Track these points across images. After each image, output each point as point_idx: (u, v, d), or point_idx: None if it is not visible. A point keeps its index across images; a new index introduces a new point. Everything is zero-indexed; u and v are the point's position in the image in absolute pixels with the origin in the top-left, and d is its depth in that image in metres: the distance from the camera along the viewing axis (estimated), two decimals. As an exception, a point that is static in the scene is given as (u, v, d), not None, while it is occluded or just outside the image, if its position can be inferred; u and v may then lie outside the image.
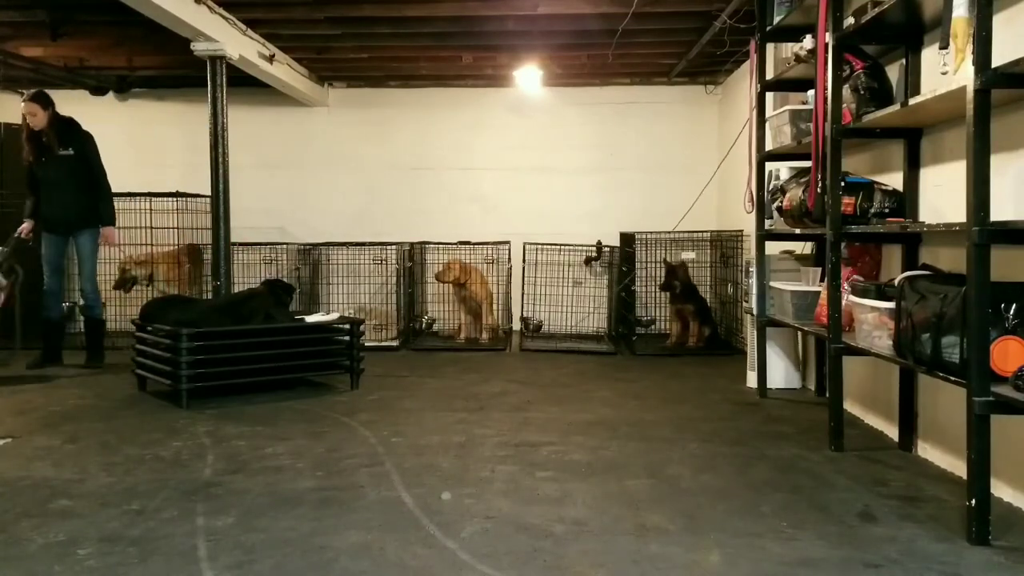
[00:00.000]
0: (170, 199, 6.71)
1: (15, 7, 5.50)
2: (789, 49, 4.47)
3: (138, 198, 6.60)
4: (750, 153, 4.88)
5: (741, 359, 5.41)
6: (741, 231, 6.50)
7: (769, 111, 4.77)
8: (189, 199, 6.74)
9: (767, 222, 4.69)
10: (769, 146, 4.65)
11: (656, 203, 7.65)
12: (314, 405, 4.53)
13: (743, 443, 3.71)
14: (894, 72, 3.70)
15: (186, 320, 4.49)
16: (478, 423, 4.10)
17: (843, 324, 3.54)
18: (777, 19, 4.43)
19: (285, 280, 6.12)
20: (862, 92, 3.49)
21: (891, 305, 2.93)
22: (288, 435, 3.84)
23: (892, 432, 3.77)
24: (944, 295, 2.61)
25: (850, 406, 4.16)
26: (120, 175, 5.87)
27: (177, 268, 6.79)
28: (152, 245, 6.69)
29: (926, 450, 3.49)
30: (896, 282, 2.92)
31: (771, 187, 4.59)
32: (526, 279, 7.19)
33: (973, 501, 2.48)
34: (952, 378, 2.58)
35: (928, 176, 3.51)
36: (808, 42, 3.93)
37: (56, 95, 5.57)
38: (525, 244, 7.22)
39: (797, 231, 4.34)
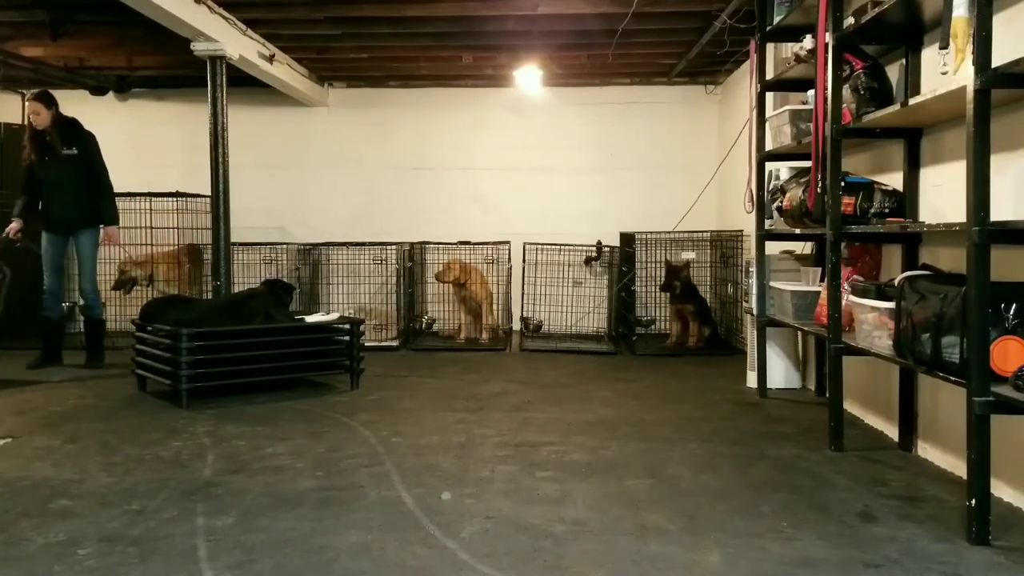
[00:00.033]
0: (170, 199, 6.71)
1: (15, 7, 5.50)
2: (789, 49, 4.47)
3: (138, 198, 6.60)
4: (750, 153, 4.88)
5: (741, 359, 5.41)
6: (741, 231, 6.50)
7: (769, 111, 4.77)
8: (189, 199, 6.74)
9: (767, 222, 4.69)
10: (769, 146, 4.65)
11: (656, 203, 7.65)
12: (314, 405, 4.53)
13: (743, 443, 3.71)
14: (894, 72, 3.70)
15: (186, 320, 4.49)
16: (478, 423, 4.10)
17: (843, 324, 3.54)
18: (777, 19, 4.43)
19: (285, 280, 6.12)
20: (862, 92, 3.49)
21: (891, 305, 2.93)
22: (288, 435, 3.84)
23: (892, 432, 3.77)
24: (944, 295, 2.61)
25: (850, 406, 4.16)
26: (120, 175, 5.87)
27: (177, 268, 6.79)
28: (152, 245, 6.69)
29: (926, 450, 3.49)
30: (896, 282, 2.92)
31: (771, 187, 4.59)
32: (526, 279, 7.19)
33: (973, 501, 2.48)
34: (952, 378, 2.58)
35: (928, 176, 3.51)
36: (808, 42, 3.93)
37: (56, 95, 5.57)
38: (525, 244, 7.22)
39: (797, 231, 4.34)
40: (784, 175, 4.53)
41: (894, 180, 3.66)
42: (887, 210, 3.50)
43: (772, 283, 4.59)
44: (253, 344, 4.68)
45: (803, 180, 4.04)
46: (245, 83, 6.59)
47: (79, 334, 6.18)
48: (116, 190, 5.72)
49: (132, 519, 2.71)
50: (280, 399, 4.65)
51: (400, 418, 4.21)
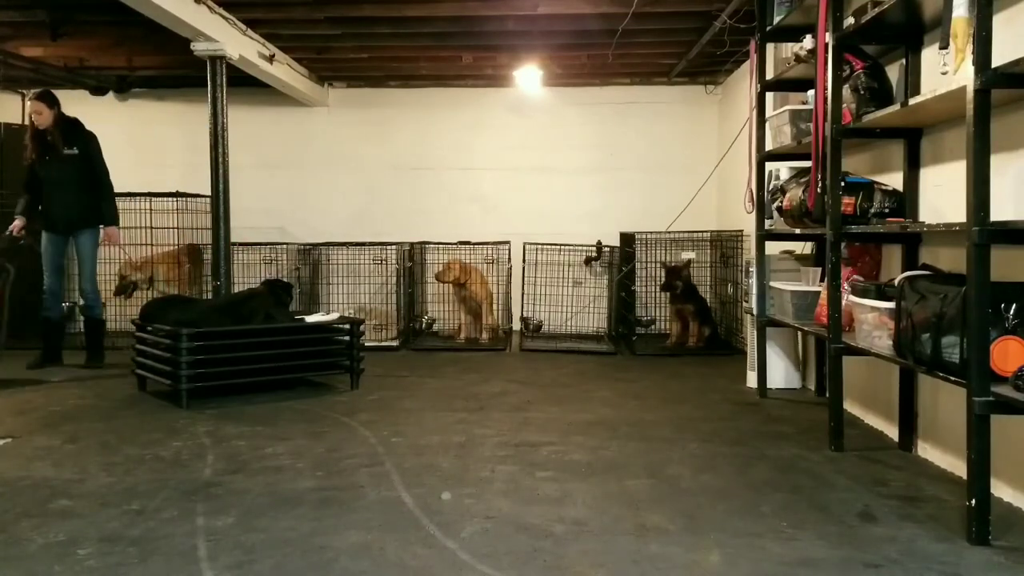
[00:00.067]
0: (170, 199, 6.71)
1: (15, 7, 5.50)
2: (789, 49, 4.47)
3: (138, 198, 6.60)
4: (750, 153, 4.88)
5: (741, 359, 5.41)
6: (741, 231, 6.50)
7: (769, 111, 4.77)
8: (189, 199, 6.74)
9: (767, 222, 4.69)
10: (769, 146, 4.65)
11: (656, 203, 7.64)
12: (314, 405, 4.53)
13: (743, 443, 3.72)
14: (894, 72, 3.70)
15: (186, 320, 4.49)
16: (478, 423, 4.10)
17: (843, 324, 3.54)
18: (777, 19, 4.43)
19: (285, 280, 6.11)
20: (862, 92, 3.49)
21: (891, 305, 2.93)
22: (288, 435, 3.84)
23: (892, 432, 3.77)
24: (944, 295, 2.61)
25: (850, 406, 4.16)
26: (120, 175, 5.86)
27: (177, 268, 6.79)
28: (152, 245, 6.69)
29: (926, 450, 3.49)
30: (896, 282, 2.92)
31: (771, 187, 4.59)
32: (526, 279, 7.19)
33: (973, 501, 2.48)
34: (952, 378, 2.58)
35: (928, 176, 3.51)
36: (808, 42, 3.93)
37: (56, 95, 5.57)
38: (525, 244, 7.22)
39: (797, 231, 4.34)
40: (784, 175, 4.53)
41: (894, 180, 3.66)
42: (887, 210, 3.50)
43: (772, 283, 4.59)
44: (253, 344, 4.68)
45: (803, 180, 4.04)
46: (245, 83, 6.59)
47: (79, 334, 6.18)
48: (116, 190, 5.73)
49: (132, 519, 2.71)
50: (280, 399, 4.65)
51: (400, 418, 4.21)
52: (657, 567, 2.33)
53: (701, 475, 3.22)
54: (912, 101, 2.96)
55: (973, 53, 2.42)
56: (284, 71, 6.74)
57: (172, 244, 6.77)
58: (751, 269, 4.82)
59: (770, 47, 4.86)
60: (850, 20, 3.47)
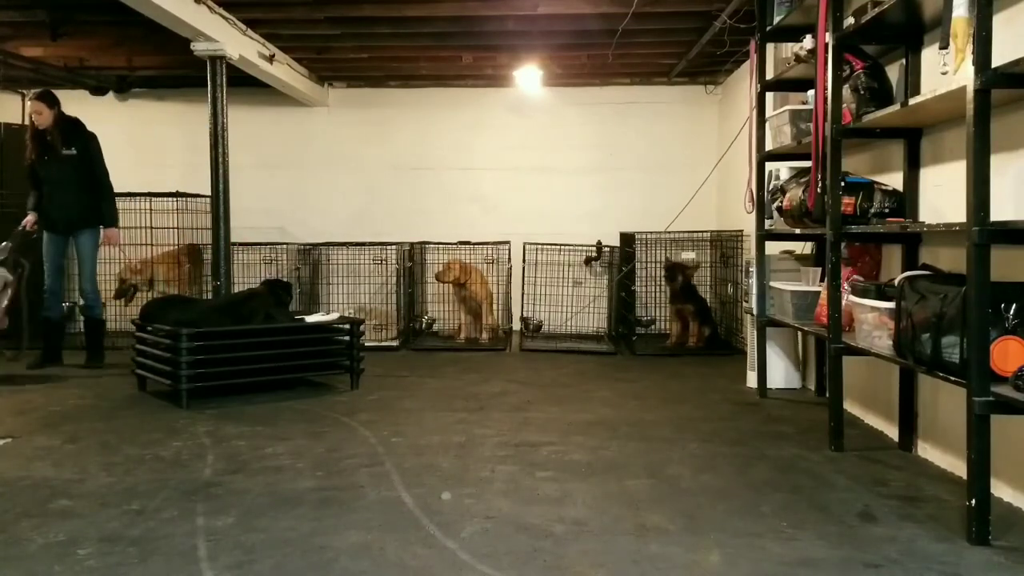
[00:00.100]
0: (170, 199, 6.71)
1: (15, 7, 5.50)
2: (789, 49, 4.47)
3: (138, 198, 6.60)
4: (750, 153, 4.88)
5: (741, 359, 5.41)
6: (741, 231, 6.50)
7: (769, 111, 4.77)
8: (189, 199, 6.74)
9: (767, 222, 4.69)
10: (769, 146, 4.65)
11: (656, 203, 7.64)
12: (314, 405, 4.53)
13: (743, 443, 3.72)
14: (894, 72, 3.70)
15: (186, 320, 4.49)
16: (478, 423, 4.10)
17: (843, 324, 3.54)
18: (777, 19, 4.43)
19: (285, 280, 6.12)
20: (862, 92, 3.49)
21: (891, 305, 2.93)
22: (288, 435, 3.84)
23: (892, 432, 3.77)
24: (944, 295, 2.61)
25: (850, 406, 4.16)
26: (120, 175, 5.87)
27: (177, 268, 6.79)
28: (152, 245, 6.69)
29: (926, 450, 3.49)
30: (896, 282, 2.92)
31: (771, 187, 4.59)
32: (526, 279, 7.19)
33: (973, 501, 2.48)
34: (952, 378, 2.58)
35: (928, 176, 3.51)
36: (808, 42, 3.93)
37: (56, 95, 5.57)
38: (525, 244, 7.22)
39: (797, 231, 4.34)
40: (784, 175, 4.53)
41: (894, 180, 3.66)
42: (887, 210, 3.50)
43: (772, 283, 4.59)
44: (253, 344, 4.68)
45: (803, 180, 4.04)
46: (245, 83, 6.59)
47: (79, 334, 6.17)
48: (116, 190, 5.73)
49: (132, 519, 2.71)
50: (280, 399, 4.65)
51: (400, 418, 4.21)
52: (657, 567, 2.33)
53: (701, 475, 3.22)
54: (912, 101, 2.96)
55: (973, 53, 2.42)
56: (284, 71, 6.74)
57: (172, 244, 6.77)
58: (751, 269, 4.82)
59: (770, 47, 4.86)
60: (850, 20, 3.47)
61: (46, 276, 5.55)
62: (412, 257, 7.11)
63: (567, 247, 7.39)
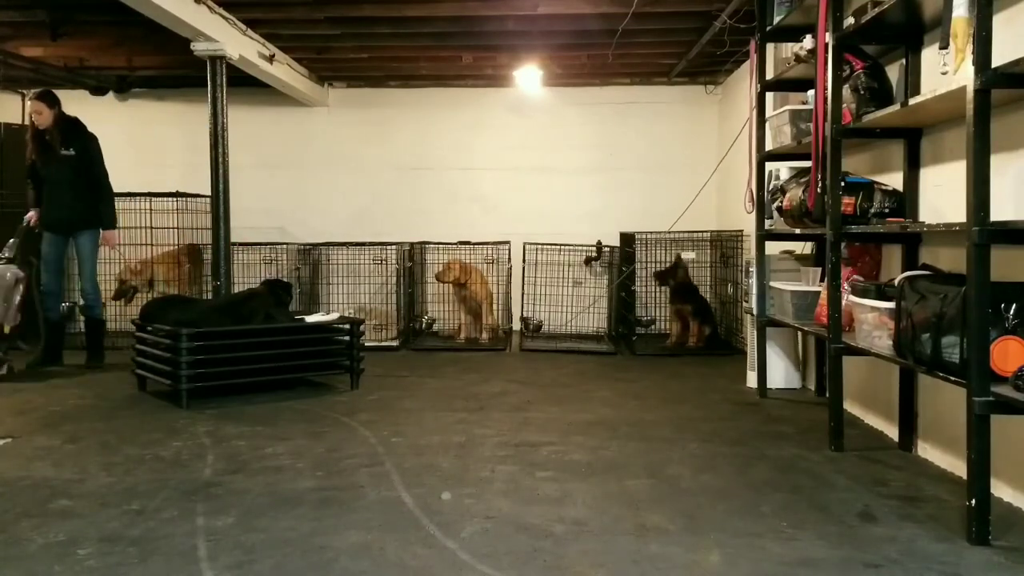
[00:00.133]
0: (170, 199, 6.71)
1: (15, 7, 5.50)
2: (789, 49, 4.47)
3: (138, 198, 6.60)
4: (750, 153, 4.88)
5: (741, 359, 5.41)
6: (741, 231, 6.50)
7: (769, 111, 4.77)
8: (189, 199, 6.74)
9: (767, 222, 4.69)
10: (769, 146, 4.65)
11: (656, 203, 7.64)
12: (314, 405, 4.53)
13: (743, 443, 3.72)
14: (894, 72, 3.70)
15: (186, 320, 4.49)
16: (478, 423, 4.10)
17: (843, 324, 3.54)
18: (777, 19, 4.43)
19: (285, 280, 6.12)
20: (862, 92, 3.49)
21: (891, 305, 2.93)
22: (288, 435, 3.84)
23: (892, 432, 3.77)
24: (944, 295, 2.61)
25: (850, 406, 4.16)
26: (120, 175, 5.87)
27: (177, 268, 6.79)
28: (152, 245, 6.69)
29: (926, 450, 3.49)
30: (896, 282, 2.92)
31: (771, 187, 4.59)
32: (526, 279, 7.19)
33: (973, 501, 2.48)
34: (952, 378, 2.58)
35: (928, 176, 3.51)
36: (808, 42, 3.93)
37: (57, 95, 5.57)
38: (525, 244, 7.22)
39: (797, 231, 4.34)
40: (784, 175, 4.53)
41: (894, 180, 3.66)
42: (887, 210, 3.50)
43: (772, 283, 4.59)
44: (253, 344, 4.68)
45: (803, 180, 4.04)
46: (245, 83, 6.59)
47: (79, 334, 6.18)
48: (116, 190, 5.73)
49: (132, 519, 2.71)
50: (280, 399, 4.65)
51: (400, 418, 4.21)
52: (657, 567, 2.33)
53: (701, 475, 3.22)
54: (912, 101, 2.96)
55: (973, 53, 2.42)
56: (284, 71, 6.74)
57: (172, 244, 6.77)
58: (751, 269, 4.82)
59: (770, 47, 4.86)
60: (850, 20, 3.47)
61: (43, 276, 5.54)
62: (412, 257, 7.11)
63: (567, 247, 7.39)
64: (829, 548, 2.47)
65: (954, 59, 2.57)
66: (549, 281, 7.30)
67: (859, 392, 4.20)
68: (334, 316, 5.34)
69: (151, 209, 6.63)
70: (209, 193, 5.68)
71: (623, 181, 7.93)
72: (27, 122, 5.56)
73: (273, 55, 6.32)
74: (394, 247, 7.07)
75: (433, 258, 7.38)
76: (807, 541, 2.52)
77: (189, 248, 6.92)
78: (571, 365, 5.93)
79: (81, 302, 5.86)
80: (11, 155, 6.66)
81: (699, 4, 5.37)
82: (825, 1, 3.56)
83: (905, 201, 3.54)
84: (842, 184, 3.53)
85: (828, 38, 3.57)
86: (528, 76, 7.24)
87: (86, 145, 5.52)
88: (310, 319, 5.12)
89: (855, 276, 3.68)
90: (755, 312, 4.76)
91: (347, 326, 5.04)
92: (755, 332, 4.89)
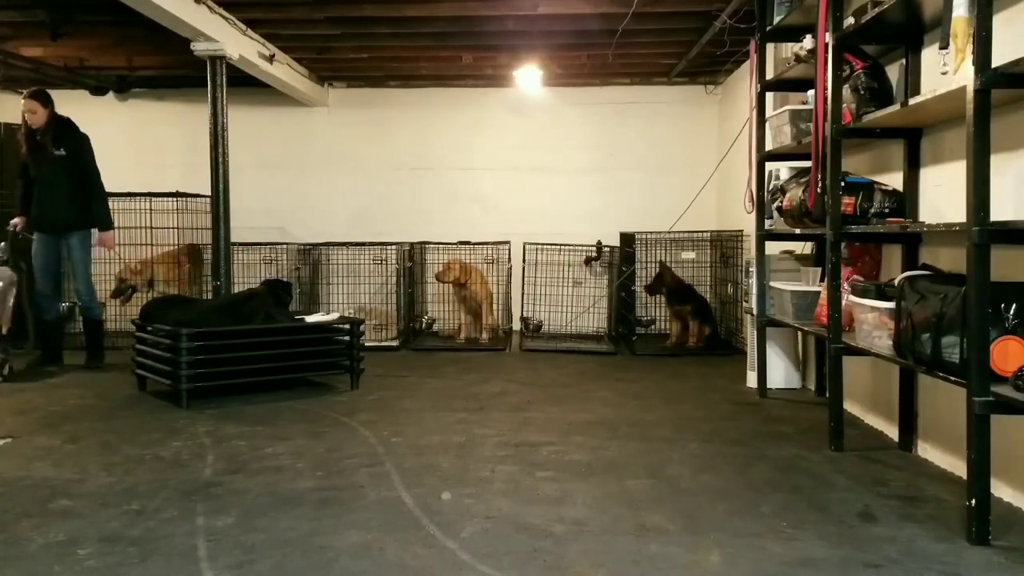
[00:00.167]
0: (170, 199, 6.71)
1: (15, 7, 5.50)
2: (789, 49, 4.47)
3: (138, 198, 6.60)
4: (750, 153, 4.88)
5: (741, 359, 5.41)
6: (741, 231, 6.50)
7: (769, 111, 4.77)
8: (189, 199, 6.73)
9: (767, 222, 4.69)
10: (769, 146, 4.65)
11: (656, 203, 7.64)
12: (314, 405, 4.53)
13: (743, 443, 3.72)
14: (894, 72, 3.70)
15: (186, 320, 4.49)
16: (478, 423, 4.10)
17: (843, 324, 3.54)
18: (777, 19, 4.43)
19: (285, 280, 6.12)
20: (862, 92, 3.49)
21: (891, 305, 2.93)
22: (288, 435, 3.84)
23: (892, 432, 3.77)
24: (944, 295, 2.61)
25: (850, 406, 4.16)
26: (120, 175, 5.87)
27: (177, 268, 6.79)
28: (152, 245, 6.69)
29: (926, 450, 3.49)
30: (896, 282, 2.92)
31: (771, 187, 4.59)
32: (526, 279, 7.19)
33: (973, 501, 2.48)
34: (952, 378, 2.58)
35: (928, 176, 3.51)
36: (808, 42, 3.93)
37: (56, 95, 5.57)
38: (525, 244, 7.22)
39: (797, 231, 4.34)
40: (784, 175, 4.53)
41: (894, 180, 3.66)
42: (887, 210, 3.50)
43: (772, 283, 4.59)
44: (253, 344, 4.68)
45: (803, 180, 4.04)
46: (245, 83, 6.59)
47: (79, 334, 6.17)
48: (116, 190, 5.72)
49: (132, 519, 2.71)
50: (280, 399, 4.65)
51: (400, 418, 4.21)
52: (657, 567, 2.33)
53: (701, 475, 3.22)
54: (912, 101, 2.96)
55: (973, 53, 2.42)
56: (284, 71, 6.74)
57: (172, 244, 6.76)
58: (751, 269, 4.82)
59: (770, 47, 4.86)
60: (850, 20, 3.47)
61: (37, 278, 5.51)
62: (412, 257, 7.11)
63: (567, 247, 7.38)
64: (829, 548, 2.47)
65: (954, 59, 2.57)
66: (549, 281, 7.30)
67: (859, 392, 4.20)
68: (334, 316, 5.34)
69: (151, 209, 6.63)
70: (209, 193, 5.68)
71: (623, 181, 7.93)
72: (20, 120, 5.52)
73: (273, 55, 6.32)
74: (394, 247, 7.07)
75: (433, 258, 7.38)
76: (807, 541, 2.52)
77: (189, 248, 6.92)
78: (571, 365, 5.93)
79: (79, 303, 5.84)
80: (11, 155, 6.64)
81: (699, 4, 5.37)
82: (825, 1, 3.56)
83: (905, 201, 3.54)
84: (842, 184, 3.53)
85: (828, 38, 3.57)
86: (528, 76, 7.24)
87: (78, 145, 5.48)
88: (310, 319, 5.12)
89: (855, 276, 3.68)
90: (755, 312, 4.76)
91: (347, 326, 5.04)
92: (755, 332, 4.89)
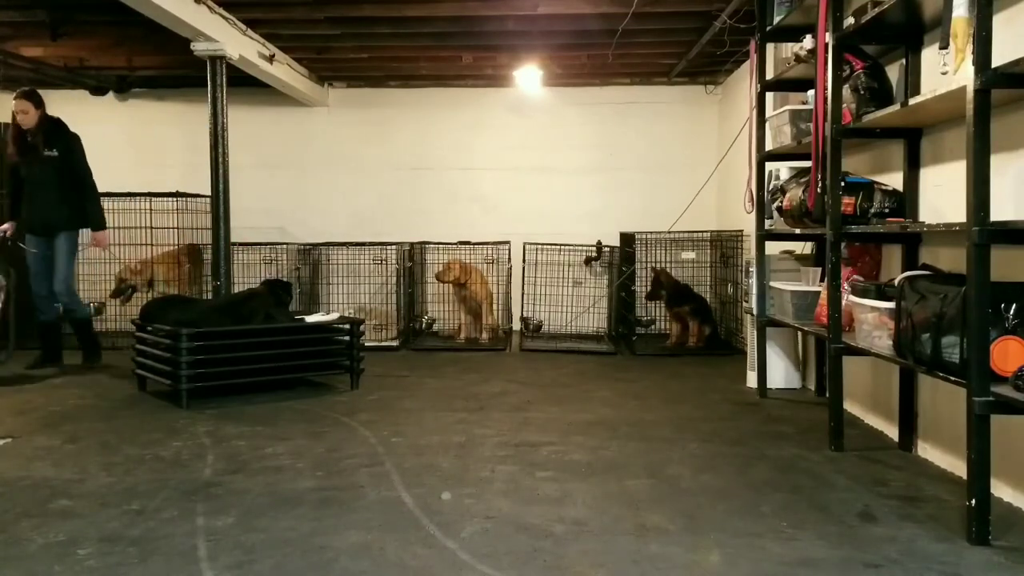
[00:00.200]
0: (170, 199, 6.70)
1: (15, 7, 5.49)
2: (789, 49, 4.47)
3: (138, 198, 6.59)
4: (750, 153, 4.88)
5: (741, 359, 5.41)
6: (741, 231, 6.50)
7: (769, 111, 4.77)
8: (189, 199, 6.73)
9: (767, 222, 4.69)
10: (769, 146, 4.65)
11: (656, 203, 7.64)
12: (314, 405, 4.53)
13: (743, 443, 3.71)
14: (894, 72, 3.70)
15: (186, 320, 4.49)
16: (478, 423, 4.10)
17: (843, 324, 3.54)
18: (777, 19, 4.43)
19: (285, 280, 6.11)
20: (862, 92, 3.49)
21: (891, 305, 2.93)
22: (288, 435, 3.84)
23: (892, 432, 3.77)
24: (944, 295, 2.61)
25: (850, 406, 4.16)
26: (120, 175, 5.87)
27: (177, 268, 6.79)
28: (151, 245, 6.69)
29: (926, 450, 3.49)
30: (896, 282, 2.92)
31: (771, 187, 4.59)
32: (526, 279, 7.19)
33: (973, 501, 2.48)
34: (952, 378, 2.58)
35: (928, 176, 3.51)
36: (808, 42, 3.93)
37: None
38: (525, 244, 7.22)
39: (797, 231, 4.34)
40: (784, 175, 4.53)
41: (894, 180, 3.66)
42: (887, 210, 3.50)
43: (772, 283, 4.59)
44: (253, 344, 4.68)
45: (803, 180, 4.04)
46: (245, 83, 6.59)
47: (74, 335, 6.16)
48: (117, 190, 5.71)
49: (132, 519, 2.71)
50: (280, 399, 4.65)
51: (400, 418, 4.21)
52: (657, 567, 2.33)
53: (701, 475, 3.22)
54: (912, 101, 2.96)
55: (973, 53, 2.42)
56: (284, 71, 6.74)
57: (172, 244, 6.76)
58: (751, 269, 4.82)
59: (770, 47, 4.86)
60: (850, 20, 3.47)
61: (32, 280, 5.48)
62: (412, 257, 7.11)
63: (567, 247, 7.38)
64: (829, 548, 2.47)
65: (954, 59, 2.57)
66: (549, 281, 7.30)
67: (859, 392, 4.20)
68: (334, 316, 5.34)
69: (151, 209, 6.62)
70: (209, 193, 5.68)
71: (623, 181, 7.93)
72: (11, 121, 5.47)
73: (273, 55, 6.32)
74: (394, 247, 7.07)
75: (433, 258, 7.38)
76: (807, 541, 2.52)
77: (189, 248, 6.92)
78: (571, 365, 5.93)
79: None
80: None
81: (699, 4, 5.37)
82: (825, 1, 3.56)
83: (905, 201, 3.54)
84: (842, 184, 3.53)
85: (828, 38, 3.57)
86: (528, 76, 7.24)
87: (69, 145, 5.44)
88: (310, 319, 5.11)
89: (855, 276, 3.68)
90: (755, 312, 4.76)
91: (347, 326, 5.04)
92: (755, 332, 4.89)
